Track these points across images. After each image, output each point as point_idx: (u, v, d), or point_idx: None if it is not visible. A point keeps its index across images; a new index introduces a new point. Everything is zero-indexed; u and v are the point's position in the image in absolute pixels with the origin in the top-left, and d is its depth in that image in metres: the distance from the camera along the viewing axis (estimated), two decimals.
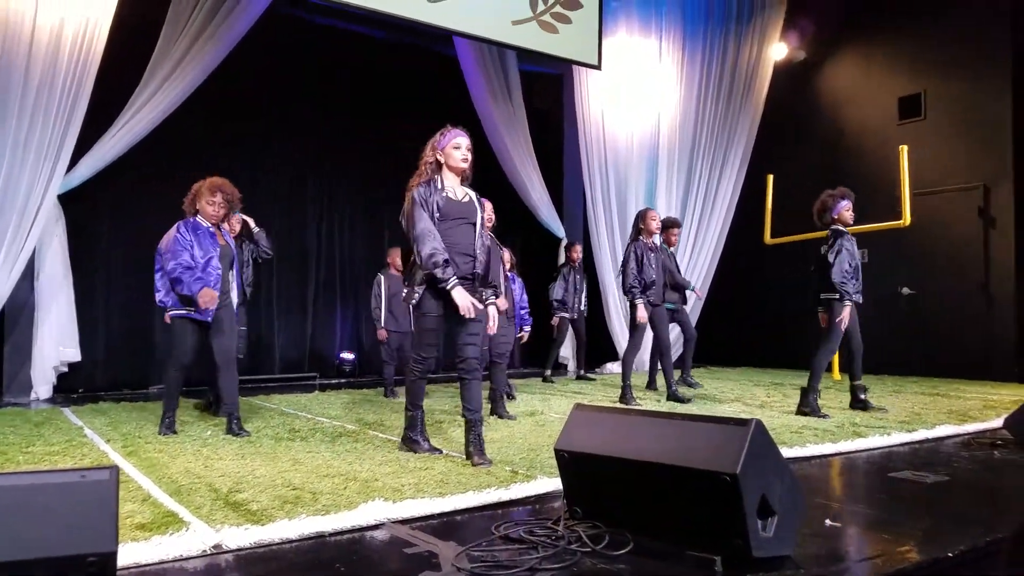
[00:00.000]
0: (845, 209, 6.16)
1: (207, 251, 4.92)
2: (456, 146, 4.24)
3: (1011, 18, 8.80)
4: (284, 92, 9.20)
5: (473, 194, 4.35)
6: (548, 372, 9.17)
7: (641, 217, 6.97)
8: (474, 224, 4.24)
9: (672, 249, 8.23)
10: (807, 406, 5.89)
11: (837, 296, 5.91)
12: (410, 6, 8.22)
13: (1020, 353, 8.53)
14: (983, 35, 8.98)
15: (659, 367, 7.59)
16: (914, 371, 9.12)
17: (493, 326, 4.32)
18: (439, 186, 4.18)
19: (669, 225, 8.17)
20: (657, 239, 7.07)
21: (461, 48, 9.65)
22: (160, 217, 8.22)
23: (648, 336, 7.33)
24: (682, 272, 8.74)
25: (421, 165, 4.28)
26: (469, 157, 4.27)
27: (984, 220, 8.91)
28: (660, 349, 7.04)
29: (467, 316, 4.01)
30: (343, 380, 9.14)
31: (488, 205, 5.26)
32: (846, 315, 5.90)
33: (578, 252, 9.28)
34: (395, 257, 7.55)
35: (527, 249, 10.90)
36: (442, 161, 4.24)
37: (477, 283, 4.21)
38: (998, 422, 5.05)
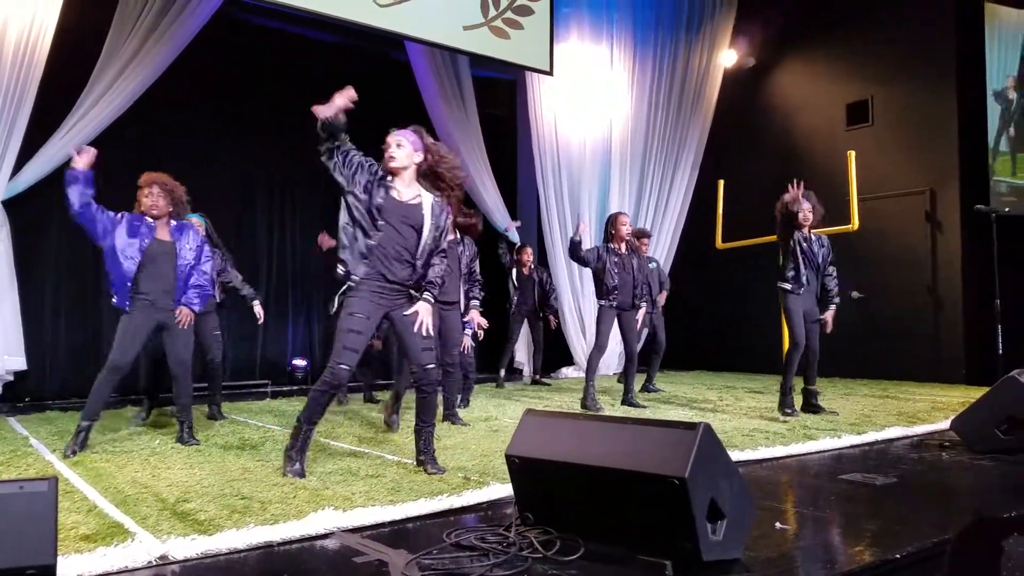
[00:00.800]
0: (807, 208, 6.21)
1: (139, 239, 4.76)
2: (385, 144, 4.11)
3: (955, 24, 9.02)
4: (234, 97, 9.07)
5: (428, 200, 4.08)
6: (502, 374, 9.18)
7: (611, 221, 6.91)
8: (418, 229, 4.01)
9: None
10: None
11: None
12: (361, 10, 8.18)
13: (967, 355, 8.72)
14: (929, 41, 9.19)
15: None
16: (864, 374, 9.28)
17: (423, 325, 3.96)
18: (387, 181, 4.02)
19: (638, 235, 8.22)
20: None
21: (413, 53, 9.62)
22: None
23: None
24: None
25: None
26: (392, 153, 4.04)
27: (931, 224, 9.11)
28: (626, 354, 7.02)
29: None
30: (295, 387, 9.03)
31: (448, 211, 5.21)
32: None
33: (528, 255, 9.32)
34: None
35: (482, 254, 10.88)
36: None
37: (408, 290, 4.00)
38: (946, 424, 5.15)
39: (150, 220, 4.85)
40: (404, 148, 4.06)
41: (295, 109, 9.41)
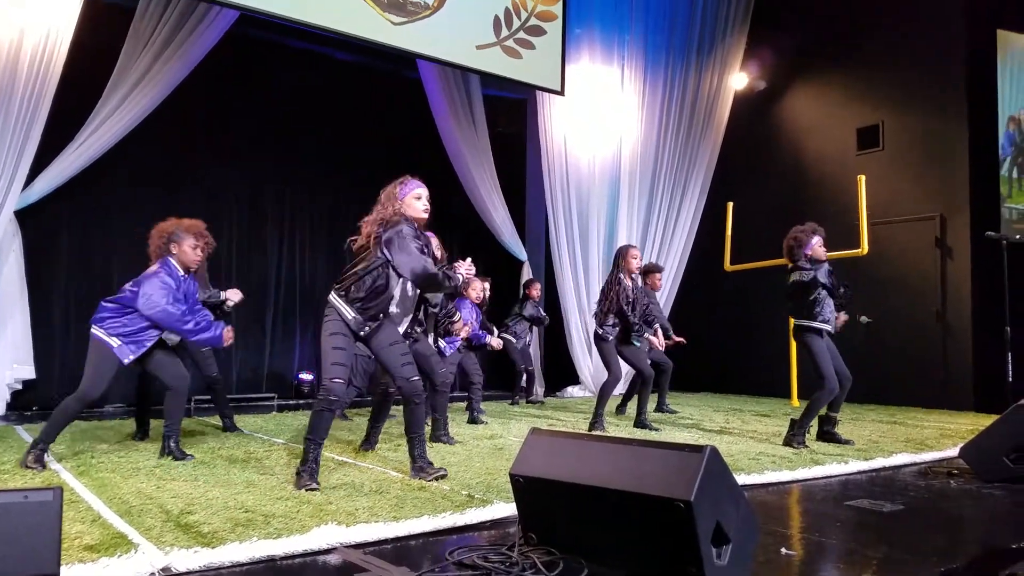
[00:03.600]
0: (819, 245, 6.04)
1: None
2: (417, 196, 4.24)
3: (967, 50, 9.02)
4: (246, 112, 9.13)
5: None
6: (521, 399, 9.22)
7: (622, 254, 6.80)
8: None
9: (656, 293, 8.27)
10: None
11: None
12: (375, 29, 8.25)
13: (976, 382, 8.67)
14: (940, 67, 9.19)
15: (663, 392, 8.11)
16: (872, 399, 9.22)
17: None
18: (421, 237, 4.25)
19: (651, 271, 8.24)
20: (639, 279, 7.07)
21: (425, 71, 9.69)
22: (118, 235, 8.21)
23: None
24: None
25: (383, 213, 4.17)
26: (429, 208, 4.28)
27: (941, 250, 9.08)
28: (643, 376, 6.94)
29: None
30: (301, 401, 9.03)
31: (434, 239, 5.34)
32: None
33: (536, 289, 9.42)
34: None
35: (490, 272, 10.90)
36: (405, 212, 4.19)
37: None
38: (954, 451, 5.11)
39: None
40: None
41: (306, 127, 9.60)
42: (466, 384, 7.63)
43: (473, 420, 7.02)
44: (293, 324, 9.65)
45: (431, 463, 4.24)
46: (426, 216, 4.25)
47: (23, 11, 6.81)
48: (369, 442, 5.25)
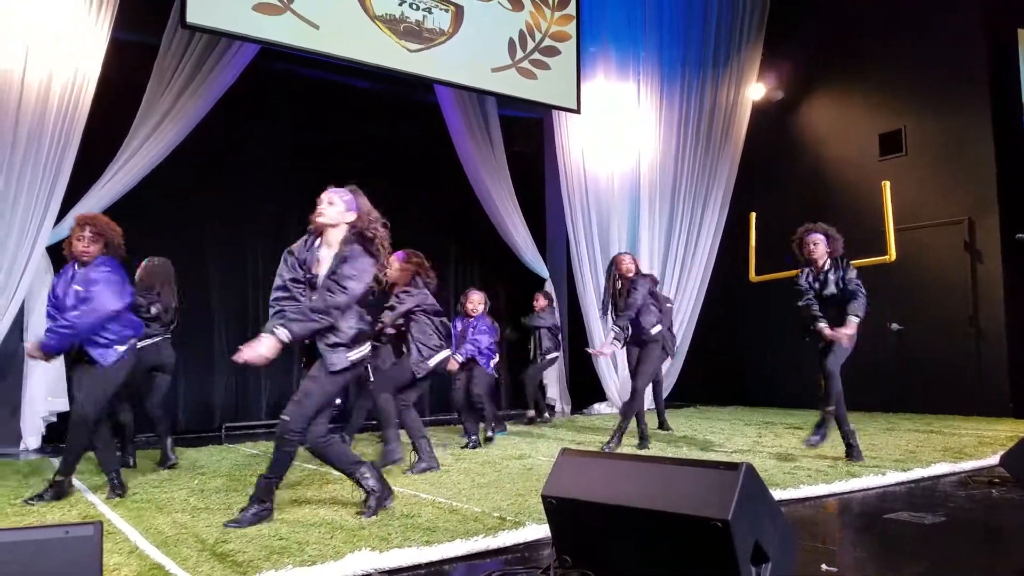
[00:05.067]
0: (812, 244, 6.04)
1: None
2: (317, 201, 4.10)
3: (988, 51, 8.95)
4: (269, 143, 9.23)
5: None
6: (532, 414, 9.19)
7: (613, 263, 6.79)
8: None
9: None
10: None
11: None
12: (392, 57, 8.35)
13: (1013, 387, 8.52)
14: (961, 69, 9.12)
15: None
16: (906, 408, 9.10)
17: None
18: (316, 246, 4.05)
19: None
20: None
21: (442, 95, 9.75)
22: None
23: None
24: (671, 319, 8.62)
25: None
26: (322, 209, 4.01)
27: (971, 254, 8.97)
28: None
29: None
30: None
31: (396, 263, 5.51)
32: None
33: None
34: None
35: (512, 291, 10.92)
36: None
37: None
38: (994, 459, 5.02)
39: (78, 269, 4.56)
40: (336, 206, 4.01)
41: (327, 157, 9.68)
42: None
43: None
44: (293, 353, 9.68)
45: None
46: (318, 220, 4.01)
47: (52, 53, 6.97)
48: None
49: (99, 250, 4.61)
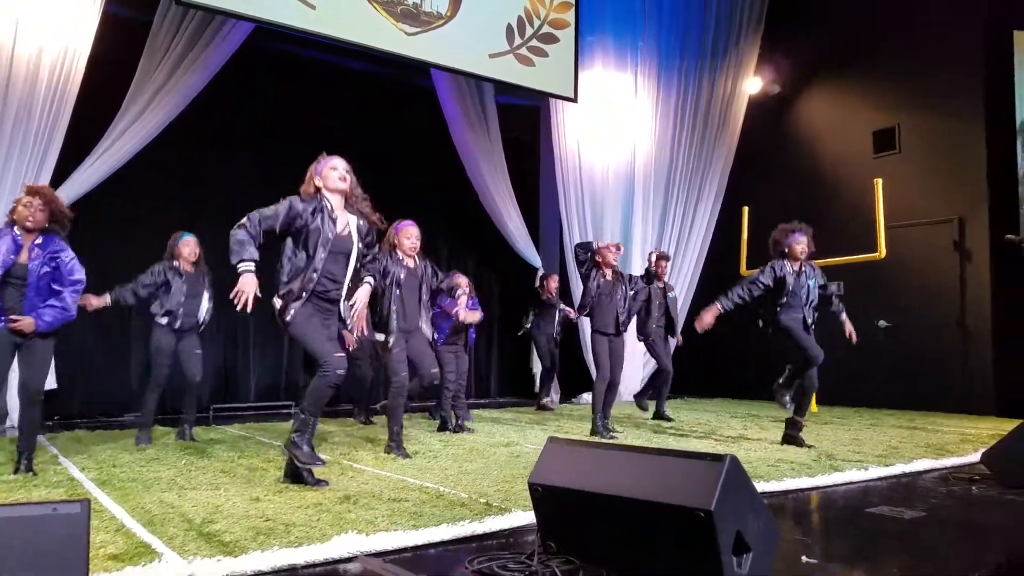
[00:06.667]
0: (795, 243, 6.15)
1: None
2: (332, 167, 4.35)
3: (984, 52, 8.98)
4: (261, 123, 9.18)
5: (355, 225, 4.43)
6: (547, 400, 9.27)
7: (597, 250, 6.89)
8: (348, 255, 4.36)
9: (660, 285, 8.21)
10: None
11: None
12: (389, 39, 8.32)
13: (997, 386, 8.59)
14: (957, 69, 9.15)
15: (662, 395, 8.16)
16: (891, 404, 9.17)
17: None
18: (330, 212, 4.31)
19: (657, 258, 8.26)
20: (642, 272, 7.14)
21: (438, 80, 9.73)
22: (137, 245, 8.26)
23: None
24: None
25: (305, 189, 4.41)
26: (348, 177, 4.37)
27: (960, 253, 9.02)
28: (612, 381, 6.88)
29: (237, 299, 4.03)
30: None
31: (414, 230, 5.69)
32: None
33: (554, 282, 9.45)
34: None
35: (505, 279, 10.94)
36: (320, 185, 4.36)
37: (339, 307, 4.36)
38: (976, 456, 5.07)
39: (18, 233, 4.54)
40: (352, 176, 4.45)
41: (320, 137, 9.61)
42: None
43: (445, 426, 6.93)
44: None
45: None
46: (343, 186, 4.35)
47: (43, 27, 6.91)
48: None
49: (45, 220, 4.62)
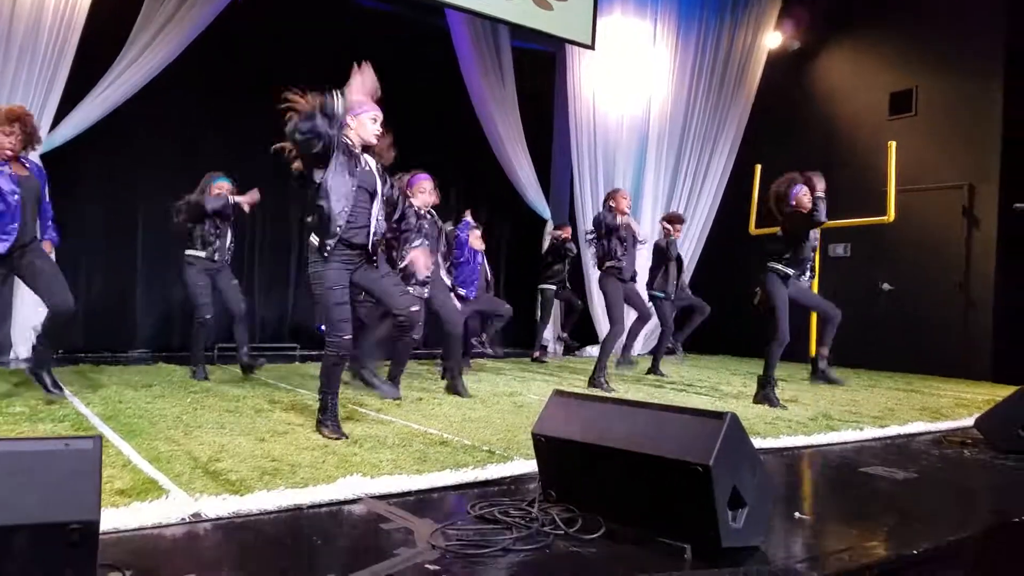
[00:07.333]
0: (802, 194, 6.13)
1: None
2: (373, 118, 4.23)
3: (1007, 17, 8.83)
4: (268, 61, 9.02)
5: (375, 166, 4.30)
6: (536, 353, 9.32)
7: (611, 195, 6.97)
8: (373, 195, 4.23)
9: (670, 239, 8.25)
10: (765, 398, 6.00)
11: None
12: None
13: (995, 353, 8.64)
14: (978, 34, 9.01)
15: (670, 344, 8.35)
16: (890, 366, 9.22)
17: None
18: (356, 154, 4.19)
19: (671, 220, 8.32)
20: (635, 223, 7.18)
21: (453, 21, 9.56)
22: (141, 179, 8.28)
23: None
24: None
25: None
26: (380, 131, 4.26)
27: (968, 220, 8.99)
28: (644, 317, 7.04)
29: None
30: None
31: (427, 184, 5.69)
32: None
33: (567, 232, 9.53)
34: None
35: (513, 230, 10.92)
36: (351, 124, 4.20)
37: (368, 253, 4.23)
38: (970, 421, 5.13)
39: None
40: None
41: (329, 76, 9.50)
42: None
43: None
44: None
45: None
46: (375, 142, 4.24)
47: None
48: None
49: (22, 145, 4.65)
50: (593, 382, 6.66)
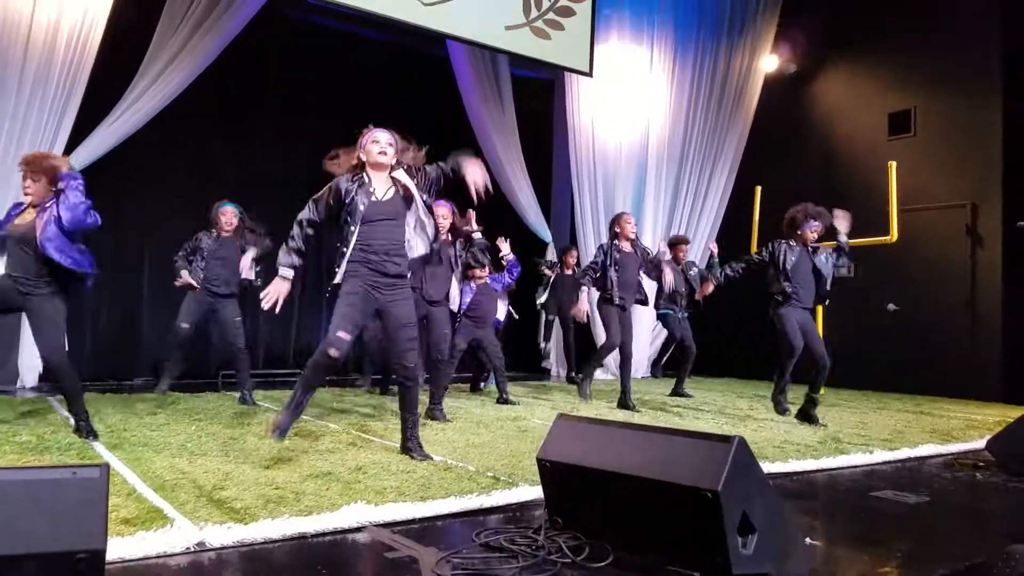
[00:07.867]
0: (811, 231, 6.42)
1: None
2: (374, 140, 4.31)
3: (1002, 36, 8.87)
4: (277, 91, 9.18)
5: (401, 186, 4.37)
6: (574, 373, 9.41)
7: (616, 220, 7.13)
8: (398, 222, 4.32)
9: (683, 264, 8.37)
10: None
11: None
12: (405, 8, 8.31)
13: (1005, 373, 8.59)
14: (974, 52, 9.06)
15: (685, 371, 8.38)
16: (898, 388, 9.17)
17: None
18: (368, 185, 4.27)
19: (676, 243, 8.38)
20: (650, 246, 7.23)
21: (454, 51, 9.68)
22: (152, 209, 8.32)
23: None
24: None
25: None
26: (388, 151, 4.31)
27: (971, 238, 8.98)
28: (623, 355, 7.06)
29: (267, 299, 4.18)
30: (328, 377, 9.11)
31: (442, 210, 5.77)
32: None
33: (573, 257, 9.68)
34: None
35: (514, 253, 10.90)
36: (364, 159, 4.32)
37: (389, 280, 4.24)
38: (981, 443, 5.08)
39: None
40: (394, 147, 4.33)
41: (336, 104, 9.62)
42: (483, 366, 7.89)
43: (504, 400, 7.12)
44: (320, 301, 9.73)
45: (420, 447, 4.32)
46: (384, 160, 4.30)
47: None
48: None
49: (44, 188, 4.62)
50: (579, 389, 7.32)
